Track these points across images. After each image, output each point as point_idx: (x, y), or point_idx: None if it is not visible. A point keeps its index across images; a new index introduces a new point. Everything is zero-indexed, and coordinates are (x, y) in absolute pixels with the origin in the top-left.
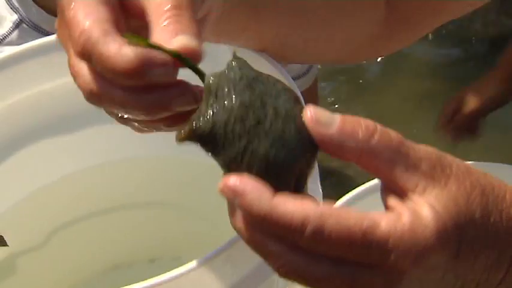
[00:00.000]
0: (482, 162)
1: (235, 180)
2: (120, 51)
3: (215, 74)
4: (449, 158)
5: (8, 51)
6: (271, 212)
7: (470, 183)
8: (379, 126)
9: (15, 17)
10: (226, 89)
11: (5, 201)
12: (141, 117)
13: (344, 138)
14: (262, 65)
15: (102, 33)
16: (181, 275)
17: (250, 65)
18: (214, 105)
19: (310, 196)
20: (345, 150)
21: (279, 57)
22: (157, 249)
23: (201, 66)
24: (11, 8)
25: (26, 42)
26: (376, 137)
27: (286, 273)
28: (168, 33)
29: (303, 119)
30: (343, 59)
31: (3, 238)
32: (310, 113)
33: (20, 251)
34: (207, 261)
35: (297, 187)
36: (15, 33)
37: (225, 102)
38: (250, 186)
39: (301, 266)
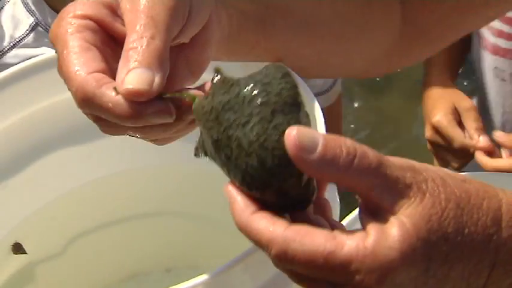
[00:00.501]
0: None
1: (230, 188)
2: (117, 102)
3: (197, 103)
4: (425, 172)
5: (26, 62)
6: (245, 226)
7: (445, 197)
8: (358, 150)
9: (31, 20)
10: (201, 123)
11: (23, 210)
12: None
13: (325, 165)
14: None
15: (96, 87)
16: (199, 284)
17: (230, 80)
18: (202, 138)
19: (284, 219)
20: (325, 176)
21: (295, 70)
22: (174, 258)
23: None
24: (28, 11)
25: (41, 45)
26: (356, 161)
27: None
28: (124, 68)
29: (285, 141)
30: (360, 73)
31: (22, 246)
32: (292, 139)
33: (38, 259)
34: (224, 271)
35: (286, 203)
36: (31, 36)
37: (203, 137)
38: (240, 197)
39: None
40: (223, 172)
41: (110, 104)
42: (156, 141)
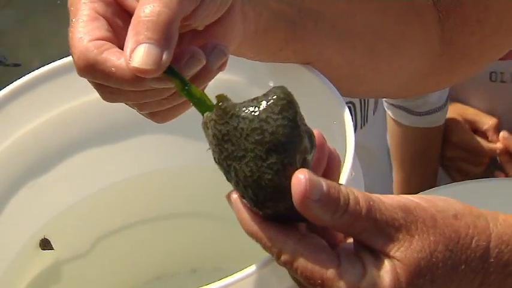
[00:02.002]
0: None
1: (235, 197)
2: (120, 66)
3: (206, 117)
4: (416, 212)
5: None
6: (257, 232)
7: (434, 240)
8: (351, 196)
9: None
10: (208, 141)
11: (51, 209)
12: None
13: (323, 213)
14: (306, 78)
15: (97, 53)
16: (226, 286)
17: (231, 108)
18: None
19: (295, 229)
20: (319, 221)
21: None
22: (200, 259)
23: None
24: None
25: None
26: (349, 209)
27: None
28: (133, 39)
29: (292, 185)
30: (394, 92)
31: (50, 242)
32: (303, 186)
33: (65, 259)
34: (252, 274)
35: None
36: None
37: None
38: (246, 207)
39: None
40: None
41: (113, 69)
42: (154, 117)
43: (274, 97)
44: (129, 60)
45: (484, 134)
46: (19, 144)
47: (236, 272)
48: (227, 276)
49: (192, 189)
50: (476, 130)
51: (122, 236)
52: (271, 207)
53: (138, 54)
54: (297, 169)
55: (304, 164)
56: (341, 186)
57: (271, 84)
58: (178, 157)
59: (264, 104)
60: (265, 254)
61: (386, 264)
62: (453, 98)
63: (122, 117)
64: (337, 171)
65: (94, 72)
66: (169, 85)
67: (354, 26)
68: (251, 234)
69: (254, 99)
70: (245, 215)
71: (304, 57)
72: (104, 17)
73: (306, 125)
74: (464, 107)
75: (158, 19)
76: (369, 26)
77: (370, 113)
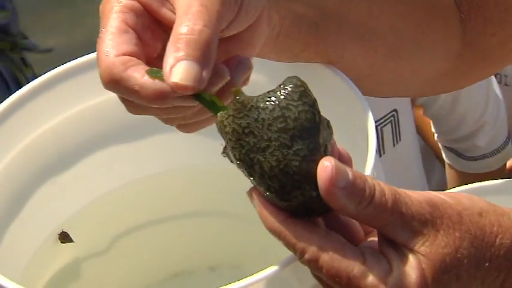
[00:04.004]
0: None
1: (256, 195)
2: (143, 85)
3: (219, 120)
4: (442, 207)
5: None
6: (281, 229)
7: (459, 236)
8: (377, 188)
9: None
10: (225, 140)
11: (70, 207)
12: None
13: (349, 201)
14: (328, 78)
15: (122, 70)
16: (247, 286)
17: (248, 101)
18: (227, 148)
19: (319, 227)
20: (344, 210)
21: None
22: (218, 257)
23: None
24: None
25: None
26: (375, 200)
27: None
28: (173, 56)
29: (318, 172)
30: (414, 92)
31: (69, 235)
32: (329, 173)
33: (83, 256)
34: (273, 273)
35: (308, 213)
36: None
37: (228, 151)
38: (269, 205)
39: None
40: None
41: (136, 87)
42: (180, 129)
43: (291, 85)
44: (169, 76)
45: None
46: (39, 142)
47: (254, 270)
48: (246, 275)
49: (211, 188)
50: None
51: (140, 234)
52: (298, 197)
53: (178, 70)
54: (321, 156)
55: (326, 152)
56: (367, 177)
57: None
58: (197, 156)
59: (282, 92)
60: (284, 252)
61: (412, 260)
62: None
63: (141, 116)
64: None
65: (118, 88)
66: (191, 103)
67: (376, 28)
68: (274, 232)
69: (270, 90)
70: (268, 212)
71: (326, 58)
72: (134, 29)
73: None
74: None
75: (199, 38)
76: (392, 28)
77: (389, 144)
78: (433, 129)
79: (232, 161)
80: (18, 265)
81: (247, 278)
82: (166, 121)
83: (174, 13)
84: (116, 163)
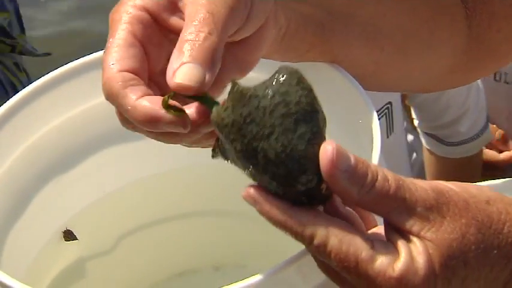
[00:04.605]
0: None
1: (254, 192)
2: (135, 106)
3: (215, 114)
4: (448, 194)
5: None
6: (286, 219)
7: (466, 223)
8: (380, 173)
9: None
10: (223, 136)
11: (74, 206)
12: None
13: (351, 184)
14: (332, 77)
15: (121, 86)
16: (251, 285)
17: (247, 91)
18: (222, 145)
19: (323, 213)
20: (347, 195)
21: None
22: (222, 256)
23: None
24: None
25: None
26: (377, 185)
27: None
28: (177, 60)
29: (320, 155)
30: (420, 88)
31: (73, 232)
32: (330, 155)
33: (88, 255)
34: (277, 272)
35: (308, 202)
36: None
37: (225, 147)
38: (269, 197)
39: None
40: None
41: (129, 107)
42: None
43: (287, 73)
44: (172, 78)
45: (493, 146)
46: (43, 141)
47: (259, 269)
48: (250, 274)
49: (215, 187)
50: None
51: (145, 233)
52: (305, 182)
53: (181, 71)
54: (323, 140)
55: (324, 138)
56: (370, 163)
57: None
58: (202, 155)
59: (280, 79)
60: (288, 251)
61: (419, 245)
62: None
63: None
64: None
65: (113, 102)
66: (182, 130)
67: (383, 27)
68: (279, 223)
69: (266, 80)
70: (270, 205)
71: (331, 58)
72: (141, 42)
73: None
74: None
75: (204, 44)
76: (398, 26)
77: (383, 136)
78: (413, 116)
79: (226, 159)
80: (23, 264)
81: (252, 277)
82: (159, 140)
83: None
84: (121, 162)
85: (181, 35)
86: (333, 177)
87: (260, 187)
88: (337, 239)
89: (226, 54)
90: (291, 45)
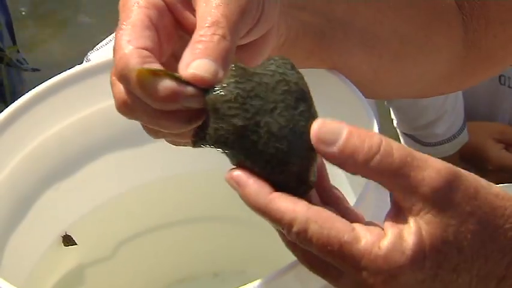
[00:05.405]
0: None
1: (239, 173)
2: (156, 82)
3: (215, 90)
4: (459, 181)
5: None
6: (265, 206)
7: (470, 211)
8: (383, 148)
9: None
10: (219, 111)
11: (74, 212)
12: (173, 130)
13: (344, 158)
14: (332, 84)
15: (139, 62)
16: None
17: (247, 69)
18: (217, 125)
19: (303, 200)
20: (346, 168)
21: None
22: (222, 263)
23: None
24: None
25: None
26: (377, 158)
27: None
28: (191, 56)
29: (310, 131)
30: (417, 94)
31: (72, 237)
32: (315, 131)
33: (88, 262)
34: (276, 278)
35: (300, 182)
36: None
37: (221, 126)
38: (252, 180)
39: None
40: (229, 160)
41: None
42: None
43: (281, 59)
44: (186, 69)
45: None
46: (44, 147)
47: (258, 275)
48: (249, 280)
49: (215, 193)
50: (508, 144)
51: (145, 240)
52: (307, 156)
53: (195, 64)
54: None
55: None
56: (374, 136)
57: None
58: (202, 161)
59: (276, 63)
60: (288, 257)
61: (412, 225)
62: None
63: None
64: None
65: (127, 80)
66: (196, 104)
67: (381, 34)
68: (258, 209)
69: (261, 64)
70: (251, 189)
71: (330, 65)
72: (156, 28)
73: None
74: (488, 125)
75: (218, 46)
76: (396, 33)
77: None
78: (392, 116)
79: (207, 143)
80: (23, 271)
81: (251, 284)
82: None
83: (195, 16)
84: (121, 168)
85: (194, 35)
86: (321, 152)
87: (244, 169)
88: (317, 224)
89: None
90: (290, 53)
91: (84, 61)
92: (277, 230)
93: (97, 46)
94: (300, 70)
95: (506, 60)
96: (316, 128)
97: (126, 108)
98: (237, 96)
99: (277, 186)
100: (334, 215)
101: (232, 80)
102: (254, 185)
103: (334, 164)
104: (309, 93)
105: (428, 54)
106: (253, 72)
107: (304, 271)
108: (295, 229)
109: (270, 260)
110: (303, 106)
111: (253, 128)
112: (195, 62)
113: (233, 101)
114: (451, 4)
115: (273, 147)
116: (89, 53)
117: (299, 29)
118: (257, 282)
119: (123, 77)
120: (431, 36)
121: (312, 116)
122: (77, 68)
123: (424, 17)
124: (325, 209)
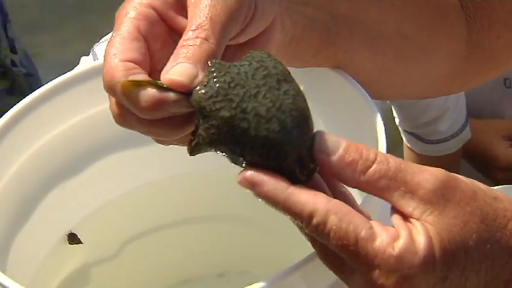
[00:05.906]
0: None
1: (251, 173)
2: (139, 93)
3: (196, 94)
4: (455, 182)
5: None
6: (285, 201)
7: (471, 211)
8: (379, 157)
9: None
10: (206, 113)
11: (79, 212)
12: (167, 137)
13: (342, 168)
14: (337, 83)
15: (123, 75)
16: None
17: (224, 63)
18: (207, 124)
19: (321, 193)
20: (342, 179)
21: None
22: (227, 263)
23: None
24: None
25: None
26: (374, 167)
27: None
28: (172, 61)
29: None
30: (421, 94)
31: (77, 236)
32: (317, 143)
33: (93, 261)
34: (282, 278)
35: (301, 162)
36: None
37: (210, 123)
38: (266, 177)
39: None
40: (230, 161)
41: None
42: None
43: (257, 51)
44: (165, 75)
45: None
46: (49, 147)
47: (263, 276)
48: (254, 280)
49: (220, 193)
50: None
51: (149, 239)
52: (300, 133)
53: (173, 69)
54: (304, 99)
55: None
56: (369, 148)
57: (302, 88)
58: (207, 160)
59: (253, 53)
60: (293, 256)
61: (419, 228)
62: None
63: None
64: None
65: (114, 92)
66: (183, 110)
67: (385, 32)
68: (278, 204)
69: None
70: (269, 186)
71: (335, 63)
72: (145, 38)
73: None
74: (496, 122)
75: (200, 48)
76: (399, 32)
77: None
78: (394, 114)
79: (202, 147)
80: (29, 270)
81: (256, 284)
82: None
83: None
84: (126, 168)
85: (180, 41)
86: (321, 162)
87: (254, 169)
88: (337, 217)
89: (234, 57)
90: (297, 51)
91: (90, 53)
92: (295, 224)
93: (103, 39)
94: (305, 69)
95: (510, 60)
96: (318, 139)
97: (120, 119)
98: (218, 89)
99: (282, 173)
100: (353, 210)
101: (211, 76)
102: (271, 181)
103: (334, 177)
104: (290, 74)
105: (431, 54)
106: (231, 65)
107: (310, 271)
108: (314, 221)
109: (275, 260)
110: (286, 86)
111: (241, 116)
112: (174, 68)
113: (216, 96)
114: (454, 4)
115: (264, 129)
116: (94, 46)
117: (305, 24)
118: (262, 283)
119: (110, 89)
120: (435, 36)
121: (297, 93)
122: (82, 69)
123: (428, 17)
124: (344, 203)
